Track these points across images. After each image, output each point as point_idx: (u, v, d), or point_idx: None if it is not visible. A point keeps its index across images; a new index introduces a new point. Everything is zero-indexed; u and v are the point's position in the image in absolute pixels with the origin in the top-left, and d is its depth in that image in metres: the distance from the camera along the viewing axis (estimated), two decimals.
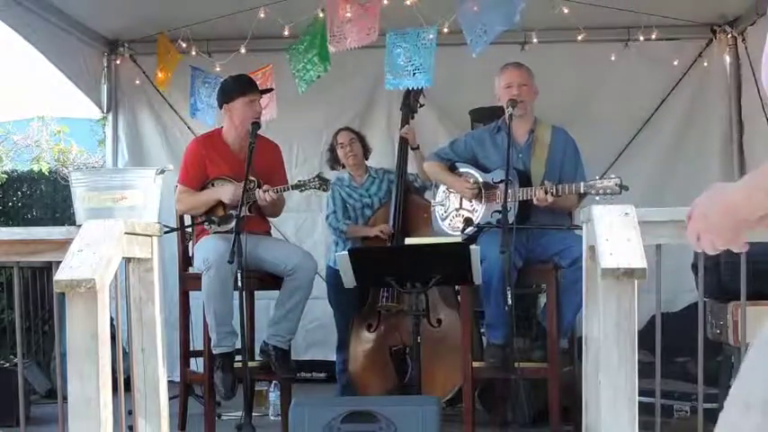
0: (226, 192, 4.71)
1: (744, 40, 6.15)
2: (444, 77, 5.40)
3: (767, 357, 1.45)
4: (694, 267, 3.88)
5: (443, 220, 4.75)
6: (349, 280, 4.36)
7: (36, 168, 9.70)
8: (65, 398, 2.78)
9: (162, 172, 3.33)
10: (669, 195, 5.99)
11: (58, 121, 12.92)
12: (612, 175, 4.26)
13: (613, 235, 2.82)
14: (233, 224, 4.43)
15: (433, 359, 4.81)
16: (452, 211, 4.72)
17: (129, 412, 3.22)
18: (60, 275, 2.68)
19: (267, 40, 5.99)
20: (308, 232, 6.62)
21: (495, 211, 4.41)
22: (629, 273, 2.71)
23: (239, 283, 4.34)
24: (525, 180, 4.48)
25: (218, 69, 6.04)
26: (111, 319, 2.92)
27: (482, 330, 4.89)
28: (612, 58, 6.25)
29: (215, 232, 4.67)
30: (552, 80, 5.61)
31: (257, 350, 4.81)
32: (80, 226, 2.96)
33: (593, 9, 5.64)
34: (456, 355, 4.60)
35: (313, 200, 6.48)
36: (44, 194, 9.15)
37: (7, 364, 5.43)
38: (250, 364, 4.55)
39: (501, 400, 4.84)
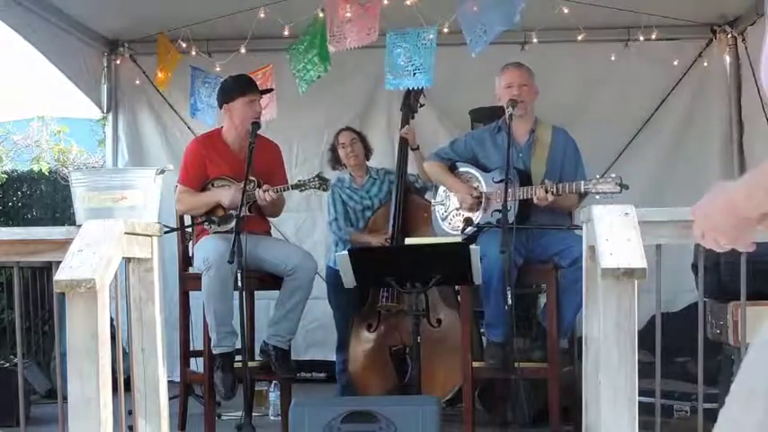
0: (225, 195, 4.71)
1: (744, 40, 6.15)
2: (444, 77, 5.40)
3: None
4: (694, 267, 3.88)
5: (443, 219, 4.75)
6: (349, 280, 4.36)
7: (36, 168, 9.71)
8: (65, 398, 2.79)
9: (162, 172, 3.33)
10: (669, 195, 5.99)
11: (58, 121, 12.92)
12: (613, 174, 4.26)
13: (613, 235, 2.82)
14: (233, 224, 4.43)
15: (433, 359, 4.81)
16: (452, 211, 4.72)
17: (129, 412, 3.22)
18: (60, 275, 2.68)
19: (267, 40, 5.99)
20: (307, 232, 6.62)
21: (496, 211, 4.41)
22: (629, 273, 2.71)
23: (239, 283, 4.33)
24: (525, 179, 4.48)
25: (218, 69, 6.03)
26: (111, 319, 2.92)
27: (482, 330, 4.89)
28: (612, 58, 6.25)
29: (215, 232, 4.67)
30: (552, 80, 5.61)
31: (257, 350, 4.81)
32: (80, 226, 2.96)
33: (593, 9, 5.64)
34: (456, 355, 4.60)
35: (313, 200, 6.47)
36: (44, 194, 9.15)
37: (7, 364, 5.43)
38: (250, 364, 4.55)
39: (501, 400, 4.84)
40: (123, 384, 3.14)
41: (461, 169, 4.72)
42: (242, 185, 4.54)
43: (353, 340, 5.28)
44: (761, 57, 1.49)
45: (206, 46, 6.30)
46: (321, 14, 5.41)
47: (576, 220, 4.44)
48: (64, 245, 2.87)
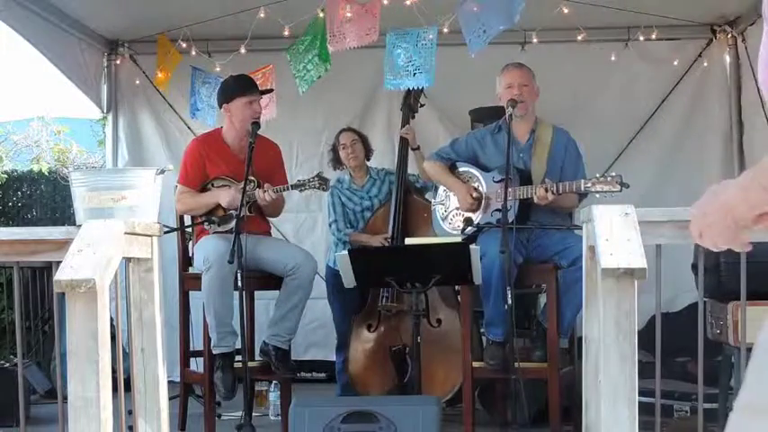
0: (224, 196, 4.70)
1: (744, 40, 6.15)
2: (444, 77, 5.40)
3: None
4: (694, 267, 3.88)
5: (443, 219, 4.75)
6: (349, 280, 4.36)
7: (36, 168, 9.70)
8: (65, 398, 2.78)
9: (162, 172, 3.33)
10: (669, 195, 5.99)
11: (58, 121, 12.91)
12: (613, 173, 4.26)
13: (613, 235, 2.82)
14: (233, 224, 4.43)
15: (433, 359, 4.81)
16: (452, 211, 4.72)
17: (129, 412, 3.22)
18: (60, 275, 2.68)
19: (267, 40, 5.98)
20: (307, 232, 6.62)
21: (496, 210, 4.41)
22: (629, 273, 2.70)
23: (239, 283, 4.34)
24: (526, 179, 4.48)
25: (218, 69, 6.04)
26: (111, 319, 2.92)
27: (482, 330, 4.89)
28: (612, 58, 6.26)
29: (215, 232, 4.67)
30: (552, 80, 5.60)
31: (257, 350, 4.81)
32: (80, 226, 2.96)
33: (593, 9, 5.64)
34: (456, 355, 4.60)
35: (313, 200, 6.48)
36: (44, 194, 9.15)
37: (7, 364, 5.43)
38: (250, 364, 4.55)
39: (501, 400, 4.84)
40: (123, 384, 3.14)
41: (461, 169, 4.72)
42: (242, 185, 4.54)
43: (354, 340, 5.28)
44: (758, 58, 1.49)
45: (206, 46, 6.30)
46: (321, 14, 5.41)
47: (576, 220, 4.44)
48: (64, 245, 2.87)
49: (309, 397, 4.85)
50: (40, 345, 6.54)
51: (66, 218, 8.43)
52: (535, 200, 4.34)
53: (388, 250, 4.92)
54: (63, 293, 2.69)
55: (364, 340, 5.26)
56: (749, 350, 3.20)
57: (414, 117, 5.50)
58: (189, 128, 6.50)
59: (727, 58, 6.36)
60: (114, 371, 2.90)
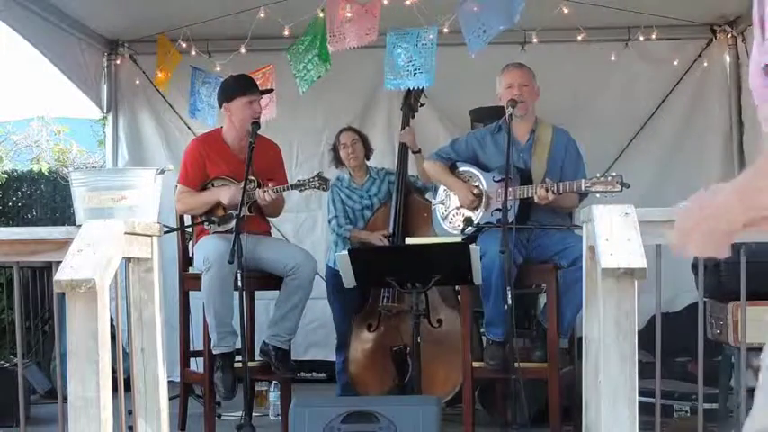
0: (225, 193, 4.70)
1: (744, 40, 6.15)
2: (444, 77, 5.40)
3: None
4: (694, 267, 3.88)
5: (444, 219, 4.75)
6: (349, 280, 4.36)
7: (36, 168, 9.70)
8: (65, 398, 2.78)
9: (162, 172, 3.33)
10: (669, 195, 5.98)
11: (58, 121, 12.90)
12: (613, 173, 4.26)
13: (613, 235, 2.82)
14: (233, 224, 4.43)
15: (434, 359, 4.81)
16: (453, 211, 4.72)
17: (129, 412, 3.22)
18: (60, 275, 2.68)
19: (267, 40, 5.98)
20: (307, 232, 6.62)
21: (496, 210, 4.41)
22: (629, 273, 2.70)
23: (239, 283, 4.34)
24: (526, 179, 4.48)
25: (218, 69, 6.03)
26: (111, 319, 2.92)
27: (482, 330, 4.89)
28: (612, 58, 6.26)
29: (215, 232, 4.67)
30: (552, 80, 5.60)
31: (257, 350, 4.81)
32: (80, 226, 2.96)
33: (593, 9, 5.64)
34: (457, 356, 4.59)
35: (313, 200, 6.48)
36: (44, 194, 9.15)
37: (7, 364, 5.43)
38: (250, 364, 4.55)
39: (501, 400, 4.84)
40: (123, 384, 3.14)
41: (462, 169, 4.72)
42: (242, 185, 4.54)
43: (354, 340, 5.28)
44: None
45: (206, 46, 6.30)
46: (321, 14, 5.41)
47: (576, 220, 4.44)
48: (64, 245, 2.87)
49: (309, 397, 4.85)
50: (40, 345, 6.54)
51: (66, 218, 8.42)
52: (535, 200, 4.34)
53: (388, 250, 4.92)
54: (63, 293, 2.69)
55: (364, 340, 5.26)
56: (749, 350, 3.21)
57: (414, 117, 5.51)
58: (189, 128, 6.50)
59: (727, 58, 6.36)
60: (114, 371, 2.90)
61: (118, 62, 6.66)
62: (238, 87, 4.82)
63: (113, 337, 2.91)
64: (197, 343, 4.99)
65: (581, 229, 3.29)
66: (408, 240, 4.79)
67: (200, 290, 4.54)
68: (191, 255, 4.93)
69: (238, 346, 4.61)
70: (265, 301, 5.31)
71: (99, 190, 3.20)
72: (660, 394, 3.28)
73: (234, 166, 4.76)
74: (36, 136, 12.81)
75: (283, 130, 5.94)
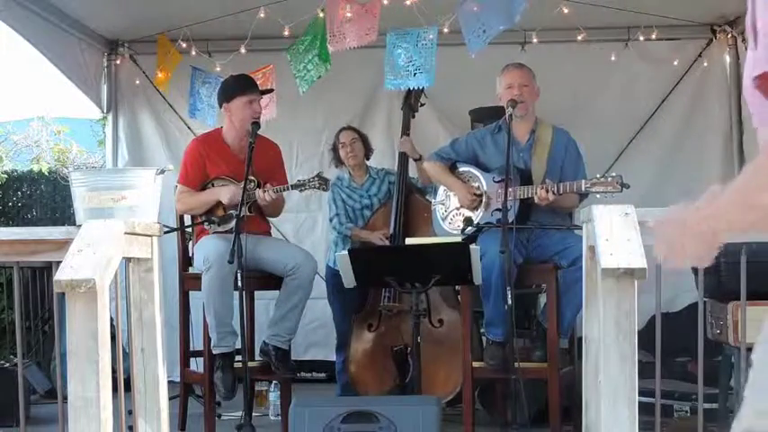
0: (225, 192, 4.71)
1: (744, 40, 6.14)
2: (444, 77, 5.40)
3: None
4: (694, 267, 3.88)
5: (444, 219, 4.75)
6: (349, 280, 4.36)
7: (36, 168, 9.69)
8: (65, 398, 2.79)
9: (162, 172, 3.33)
10: (669, 195, 5.96)
11: (58, 121, 12.90)
12: (613, 174, 4.26)
13: (613, 235, 2.82)
14: (233, 224, 4.43)
15: (435, 360, 4.81)
16: (453, 211, 4.72)
17: (129, 412, 3.22)
18: (60, 275, 2.68)
19: (267, 40, 5.98)
20: (307, 232, 6.62)
21: (496, 210, 4.41)
22: (629, 273, 2.70)
23: (239, 283, 4.34)
24: (526, 179, 4.48)
25: (218, 69, 6.03)
26: (111, 319, 2.92)
27: (482, 330, 4.89)
28: (612, 58, 6.26)
29: (215, 232, 4.67)
30: (552, 80, 5.60)
31: (257, 350, 4.81)
32: (80, 226, 2.96)
33: (593, 9, 5.64)
34: (458, 356, 4.59)
35: (313, 200, 6.48)
36: (44, 194, 9.15)
37: (7, 364, 5.43)
38: (250, 364, 4.55)
39: (501, 400, 4.84)
40: (123, 384, 3.15)
41: (462, 169, 4.72)
42: (242, 185, 4.54)
43: (354, 340, 5.28)
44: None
45: (206, 46, 6.30)
46: (321, 14, 5.41)
47: (576, 220, 4.44)
48: (64, 245, 2.87)
49: (309, 397, 4.84)
50: (40, 345, 6.54)
51: (66, 218, 8.42)
52: (536, 200, 4.34)
53: (388, 250, 4.92)
54: (63, 293, 2.69)
55: (364, 340, 5.26)
56: (749, 350, 3.21)
57: (414, 117, 5.51)
58: (189, 128, 6.49)
59: (727, 58, 6.36)
60: (114, 371, 2.90)
61: (118, 62, 6.66)
62: (238, 87, 4.82)
63: (113, 337, 2.91)
64: (197, 343, 4.99)
65: (581, 229, 3.29)
66: (408, 240, 4.79)
67: (200, 290, 4.54)
68: (191, 255, 4.93)
69: (238, 346, 4.61)
70: (265, 301, 5.31)
71: (99, 190, 3.21)
72: (660, 394, 3.28)
73: (234, 166, 4.76)
74: (36, 136, 12.81)
75: (283, 130, 5.94)
